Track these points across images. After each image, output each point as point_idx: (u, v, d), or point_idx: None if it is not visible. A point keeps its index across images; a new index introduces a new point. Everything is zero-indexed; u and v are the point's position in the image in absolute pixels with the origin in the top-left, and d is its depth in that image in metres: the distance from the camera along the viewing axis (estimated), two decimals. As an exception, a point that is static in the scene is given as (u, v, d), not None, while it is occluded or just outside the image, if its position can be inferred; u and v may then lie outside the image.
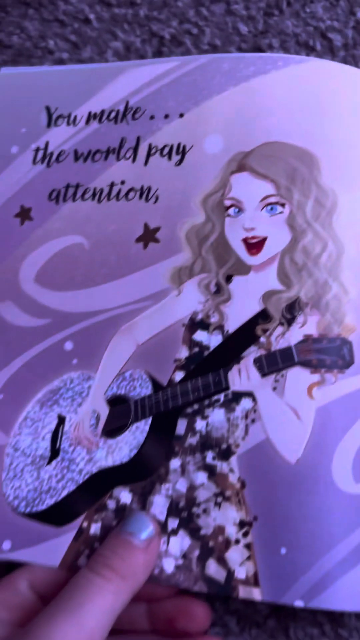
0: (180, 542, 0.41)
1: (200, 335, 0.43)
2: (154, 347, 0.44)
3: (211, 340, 0.43)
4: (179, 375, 0.43)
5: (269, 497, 0.40)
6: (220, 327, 0.43)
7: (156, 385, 0.43)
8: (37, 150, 0.49)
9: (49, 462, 0.44)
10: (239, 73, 0.45)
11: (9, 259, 0.48)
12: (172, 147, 0.45)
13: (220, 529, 0.40)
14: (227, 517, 0.40)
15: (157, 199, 0.45)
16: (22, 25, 0.53)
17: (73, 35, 0.52)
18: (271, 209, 0.43)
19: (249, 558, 0.39)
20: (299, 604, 0.38)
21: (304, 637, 0.42)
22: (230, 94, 0.45)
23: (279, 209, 0.43)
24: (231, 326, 0.43)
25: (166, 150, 0.46)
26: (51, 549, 0.42)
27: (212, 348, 0.43)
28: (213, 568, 0.40)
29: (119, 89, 0.47)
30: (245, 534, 0.40)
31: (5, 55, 0.53)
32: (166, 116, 0.46)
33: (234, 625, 0.42)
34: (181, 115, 0.46)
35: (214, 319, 0.43)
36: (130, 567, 0.37)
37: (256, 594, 0.39)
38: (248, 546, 0.40)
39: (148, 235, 0.45)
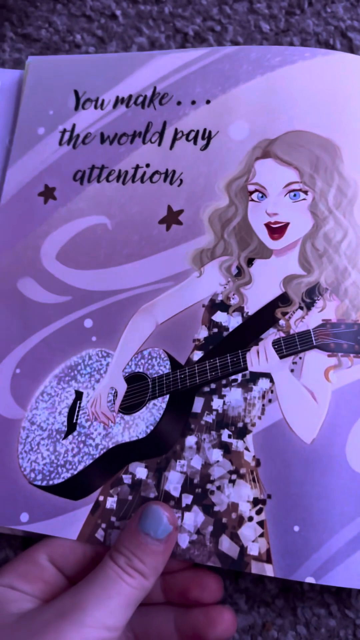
0: (194, 518, 0.41)
1: (219, 316, 0.44)
2: (174, 326, 0.44)
3: (230, 321, 0.44)
4: (197, 355, 0.44)
5: (283, 476, 0.41)
6: (240, 309, 0.44)
7: (174, 364, 0.44)
8: (64, 132, 0.49)
9: (65, 436, 0.45)
10: (266, 62, 0.46)
11: (31, 236, 0.48)
12: (197, 132, 0.46)
13: (233, 506, 0.41)
14: (241, 494, 0.41)
15: (181, 182, 0.46)
16: (51, 19, 0.54)
17: (100, 30, 0.53)
18: (294, 195, 0.44)
19: (261, 535, 0.40)
20: (310, 580, 0.39)
21: (311, 616, 0.42)
22: (256, 82, 0.46)
23: (302, 195, 0.44)
24: (251, 308, 0.43)
25: (192, 135, 0.46)
26: (69, 522, 0.43)
27: (231, 329, 0.43)
28: (226, 544, 0.40)
29: (147, 75, 0.48)
30: (259, 512, 0.40)
31: (33, 49, 0.54)
32: (193, 102, 0.47)
33: (243, 603, 0.43)
34: (208, 102, 0.47)
35: (234, 301, 0.44)
36: (151, 567, 0.38)
37: (268, 570, 0.39)
38: (261, 523, 0.40)
39: (171, 218, 0.46)
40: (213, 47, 0.48)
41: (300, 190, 0.44)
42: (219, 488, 0.41)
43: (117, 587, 0.36)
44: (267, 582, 0.43)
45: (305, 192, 0.44)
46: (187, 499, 0.42)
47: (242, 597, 0.43)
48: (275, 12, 0.52)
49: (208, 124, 0.46)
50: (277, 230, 0.44)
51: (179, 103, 0.47)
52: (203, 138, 0.46)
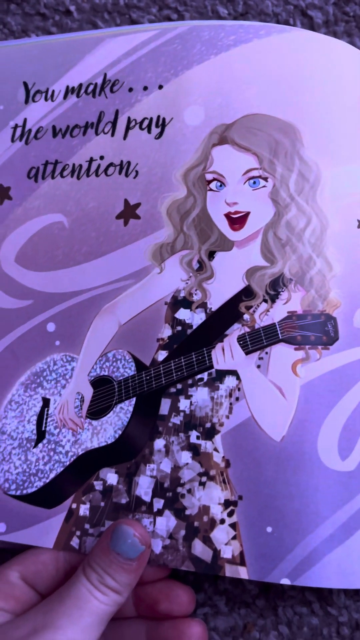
0: (166, 523, 0.40)
1: (183, 314, 0.42)
2: (137, 326, 0.43)
3: (194, 318, 0.42)
4: (162, 355, 0.42)
5: (254, 476, 0.39)
6: (203, 305, 0.42)
7: (139, 365, 0.42)
8: (16, 127, 0.47)
9: (36, 444, 0.44)
10: (220, 42, 0.44)
11: (-11, 239, 0.47)
12: (151, 119, 0.44)
13: (205, 509, 0.40)
14: (212, 496, 0.40)
15: (137, 173, 0.44)
16: (5, 20, 0.52)
17: (54, 28, 0.51)
18: (254, 182, 0.42)
19: (234, 537, 0.39)
20: (285, 582, 0.38)
21: (293, 616, 0.41)
22: (210, 63, 0.44)
23: (262, 182, 0.42)
24: (214, 304, 0.42)
25: (145, 123, 0.44)
26: (44, 531, 0.42)
27: (195, 326, 0.42)
28: (199, 548, 0.40)
29: (97, 61, 0.46)
30: (231, 514, 0.40)
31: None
32: (145, 88, 0.45)
33: (222, 605, 0.42)
34: (160, 87, 0.44)
35: (196, 297, 0.42)
36: (124, 584, 0.37)
37: (242, 573, 0.39)
38: (233, 525, 0.39)
39: (128, 212, 0.44)
40: (164, 24, 0.45)
41: (259, 177, 0.42)
42: (189, 491, 0.40)
43: (89, 606, 0.36)
44: (246, 583, 0.42)
45: (265, 179, 0.42)
46: (158, 504, 0.41)
47: (221, 599, 0.42)
48: (232, -4, 0.49)
49: (162, 110, 0.44)
50: (237, 221, 0.42)
51: (130, 90, 0.45)
52: (157, 125, 0.44)
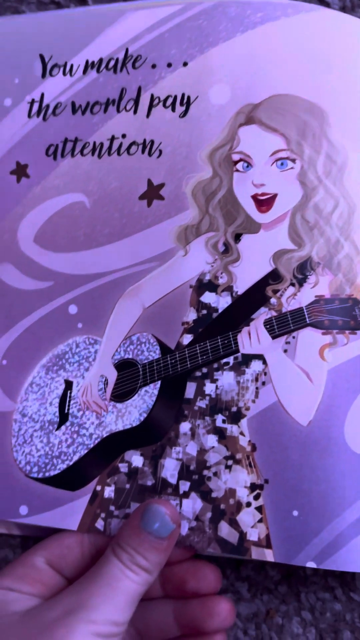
0: (192, 505, 0.41)
1: (208, 297, 0.42)
2: (161, 309, 0.42)
3: (220, 301, 0.42)
4: (187, 339, 0.42)
5: (280, 460, 0.40)
6: (229, 288, 0.42)
7: (164, 348, 0.42)
8: (32, 102, 0.46)
9: (58, 427, 0.44)
10: (247, 19, 0.42)
11: (6, 218, 0.46)
12: (175, 97, 0.43)
13: (231, 492, 0.40)
14: (238, 480, 0.40)
15: (160, 153, 0.43)
16: (20, 9, 0.50)
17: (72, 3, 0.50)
18: (281, 164, 0.41)
19: (260, 520, 0.40)
20: (311, 565, 0.38)
21: (315, 601, 0.42)
22: (237, 41, 0.42)
23: (290, 164, 0.41)
24: (240, 287, 0.41)
25: (169, 101, 0.43)
26: (68, 513, 0.42)
27: (220, 310, 0.42)
28: (225, 530, 0.40)
29: (118, 35, 0.45)
30: (257, 497, 0.40)
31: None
32: (169, 65, 0.43)
33: (245, 591, 0.43)
34: (185, 64, 0.43)
35: (222, 280, 0.42)
36: (155, 563, 0.37)
37: (268, 556, 0.39)
38: (259, 509, 0.40)
39: (152, 192, 0.43)
40: (189, 0, 0.44)
41: (287, 158, 0.41)
42: (215, 474, 0.41)
43: (121, 585, 0.36)
44: (269, 569, 0.43)
45: (293, 161, 0.41)
46: (184, 486, 0.41)
47: (244, 585, 0.43)
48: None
49: (186, 88, 0.43)
50: (264, 203, 0.41)
51: (153, 66, 0.44)
52: (182, 104, 0.43)
